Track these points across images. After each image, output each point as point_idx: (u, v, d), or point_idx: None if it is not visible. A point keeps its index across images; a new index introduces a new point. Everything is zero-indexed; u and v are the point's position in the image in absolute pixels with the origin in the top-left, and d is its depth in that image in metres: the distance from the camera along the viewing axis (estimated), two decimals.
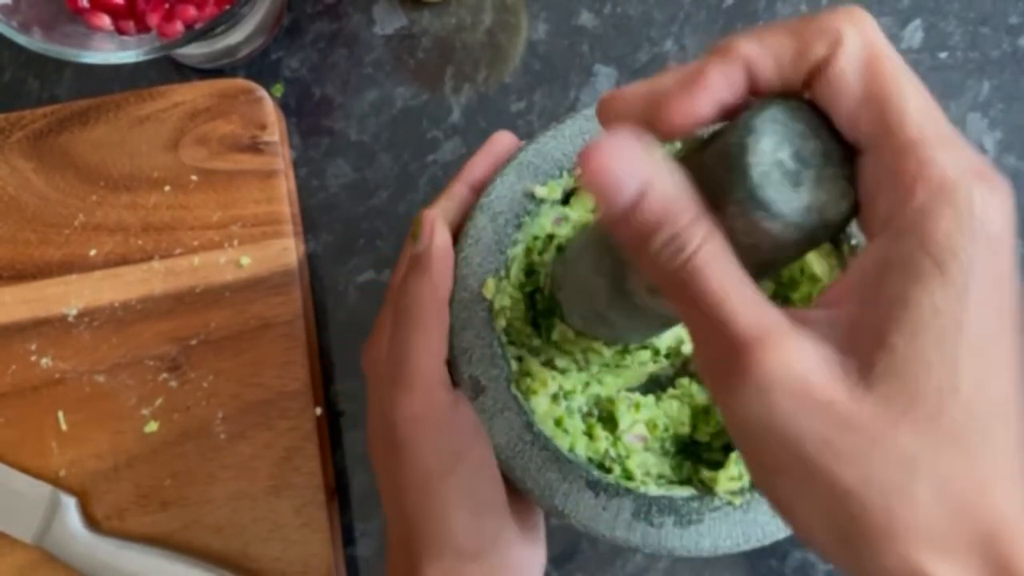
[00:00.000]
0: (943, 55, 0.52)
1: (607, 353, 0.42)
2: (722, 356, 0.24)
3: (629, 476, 0.41)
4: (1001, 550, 0.22)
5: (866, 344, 0.23)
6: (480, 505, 0.37)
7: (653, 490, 0.39)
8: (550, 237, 0.43)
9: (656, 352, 0.42)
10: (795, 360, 0.23)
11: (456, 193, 0.41)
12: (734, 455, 0.40)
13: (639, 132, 0.25)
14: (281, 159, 0.50)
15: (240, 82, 0.51)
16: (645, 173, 0.25)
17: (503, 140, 0.42)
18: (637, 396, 0.42)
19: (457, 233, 0.41)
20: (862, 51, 0.24)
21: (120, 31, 0.48)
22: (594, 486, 0.39)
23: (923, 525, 0.22)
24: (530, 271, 0.43)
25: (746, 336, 0.23)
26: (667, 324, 0.36)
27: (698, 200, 0.25)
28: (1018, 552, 0.22)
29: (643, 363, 0.43)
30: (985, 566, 0.22)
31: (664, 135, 0.26)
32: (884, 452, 0.22)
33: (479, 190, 0.42)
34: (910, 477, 0.22)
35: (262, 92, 0.50)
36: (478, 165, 0.42)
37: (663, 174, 0.25)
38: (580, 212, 0.43)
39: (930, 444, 0.22)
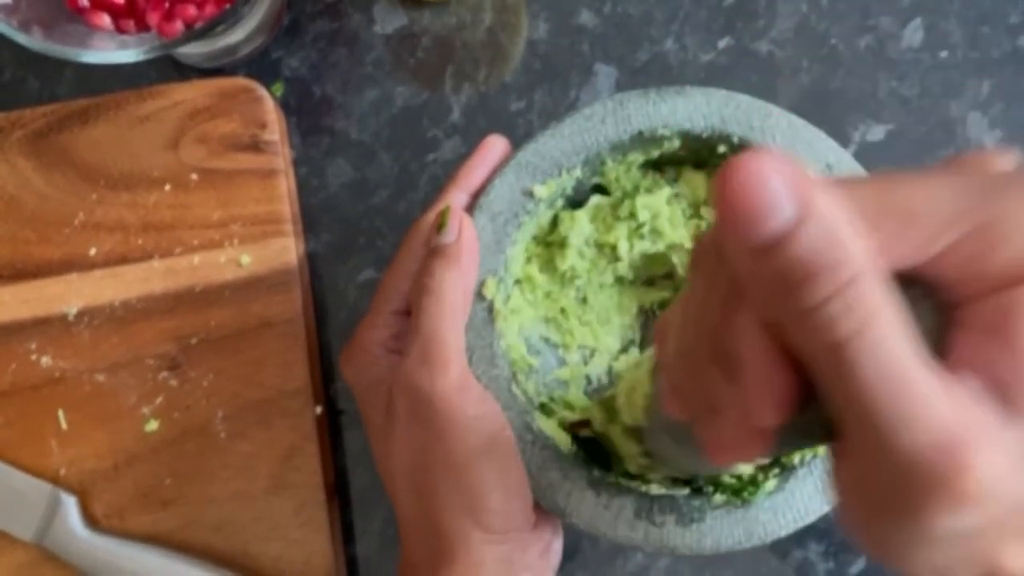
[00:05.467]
0: (943, 54, 0.52)
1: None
2: (905, 464, 0.19)
3: (628, 474, 0.41)
4: None
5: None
6: (511, 487, 0.38)
7: (654, 489, 0.39)
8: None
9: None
10: (996, 468, 0.19)
11: (451, 198, 0.41)
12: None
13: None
14: (281, 158, 0.50)
15: (240, 81, 0.51)
16: (806, 194, 0.19)
17: (496, 145, 0.42)
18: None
19: None
20: None
21: (120, 30, 0.48)
22: (595, 485, 0.39)
23: None
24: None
25: (945, 441, 0.19)
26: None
27: (869, 245, 0.20)
28: None
29: None
30: None
31: None
32: None
33: (473, 194, 0.42)
34: None
35: (262, 91, 0.50)
36: (472, 171, 0.42)
37: (830, 200, 0.20)
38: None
39: None
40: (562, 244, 0.43)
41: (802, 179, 0.19)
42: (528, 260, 0.43)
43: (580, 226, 0.43)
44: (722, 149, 0.41)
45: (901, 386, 0.19)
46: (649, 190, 0.43)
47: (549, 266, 0.44)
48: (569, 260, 0.43)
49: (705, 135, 0.41)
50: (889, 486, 0.20)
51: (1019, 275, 0.20)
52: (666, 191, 0.43)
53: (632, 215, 0.43)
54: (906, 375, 0.19)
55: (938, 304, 0.21)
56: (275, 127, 0.50)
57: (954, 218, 0.20)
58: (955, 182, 0.21)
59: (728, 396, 0.24)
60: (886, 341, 0.19)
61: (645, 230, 0.43)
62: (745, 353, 0.22)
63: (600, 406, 0.40)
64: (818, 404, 0.22)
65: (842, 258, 0.19)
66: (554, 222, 0.44)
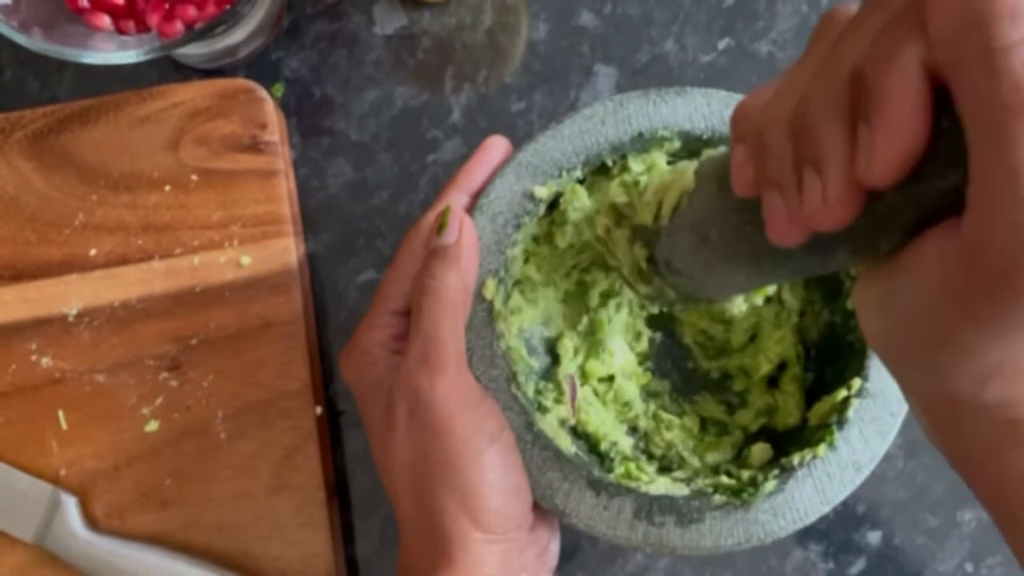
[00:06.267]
0: None
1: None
2: None
3: (628, 474, 0.41)
4: None
5: None
6: (510, 487, 0.38)
7: (654, 489, 0.40)
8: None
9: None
10: None
11: (451, 199, 0.41)
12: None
13: None
14: (281, 159, 0.50)
15: (240, 82, 0.51)
16: None
17: (496, 146, 0.42)
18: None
19: None
20: None
21: (120, 31, 0.48)
22: (595, 486, 0.39)
23: None
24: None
25: None
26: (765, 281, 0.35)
27: None
28: None
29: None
30: None
31: None
32: None
33: (473, 195, 0.42)
34: None
35: (262, 92, 0.50)
36: (472, 171, 0.42)
37: None
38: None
39: None
40: (562, 220, 0.43)
41: None
42: (526, 260, 0.43)
43: (580, 199, 0.42)
44: (723, 150, 0.41)
45: None
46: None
47: (549, 242, 0.44)
48: (568, 237, 0.43)
49: (705, 136, 0.41)
50: (1007, 254, 0.20)
51: None
52: (665, 151, 0.42)
53: (625, 169, 0.42)
54: None
55: None
56: (275, 128, 0.50)
57: None
58: None
59: (841, 148, 0.23)
60: None
61: (643, 180, 0.41)
62: (898, 89, 0.21)
63: (610, 210, 0.40)
64: (924, 180, 0.22)
65: None
66: (554, 205, 0.43)
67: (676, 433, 0.43)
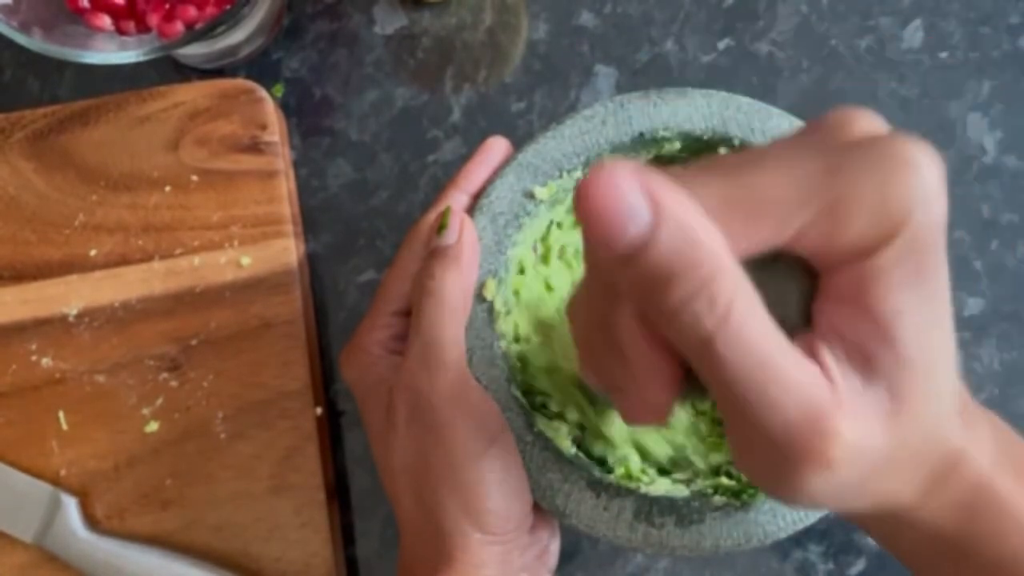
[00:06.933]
0: (943, 55, 0.52)
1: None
2: (777, 439, 0.21)
3: (629, 475, 0.41)
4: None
5: (886, 365, 0.21)
6: (510, 489, 0.38)
7: (654, 490, 0.40)
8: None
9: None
10: (860, 431, 0.21)
11: (451, 200, 0.41)
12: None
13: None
14: (281, 159, 0.50)
15: (240, 82, 0.51)
16: (658, 200, 0.20)
17: (497, 146, 0.42)
18: None
19: None
20: (913, 246, 0.21)
21: (120, 31, 0.48)
22: (595, 486, 0.39)
23: None
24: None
25: (807, 416, 0.20)
26: None
27: (722, 238, 0.20)
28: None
29: None
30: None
31: None
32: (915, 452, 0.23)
33: (474, 196, 0.42)
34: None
35: (262, 92, 0.50)
36: (472, 172, 0.42)
37: (681, 201, 0.20)
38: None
39: (924, 423, 0.23)
40: (546, 256, 0.44)
41: (653, 184, 0.20)
42: (521, 271, 0.43)
43: (569, 235, 0.43)
44: (723, 151, 0.41)
45: (763, 371, 0.20)
46: None
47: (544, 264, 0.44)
48: (552, 266, 0.44)
49: (706, 137, 0.41)
50: (767, 455, 0.22)
51: (868, 247, 0.21)
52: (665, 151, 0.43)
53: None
54: (767, 360, 0.20)
55: (807, 270, 0.22)
56: (275, 128, 0.50)
57: (800, 203, 0.21)
58: (800, 165, 0.21)
59: (623, 378, 0.25)
60: (745, 331, 0.20)
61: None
62: (627, 345, 0.24)
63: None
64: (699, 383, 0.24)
65: (697, 257, 0.20)
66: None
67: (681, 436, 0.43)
